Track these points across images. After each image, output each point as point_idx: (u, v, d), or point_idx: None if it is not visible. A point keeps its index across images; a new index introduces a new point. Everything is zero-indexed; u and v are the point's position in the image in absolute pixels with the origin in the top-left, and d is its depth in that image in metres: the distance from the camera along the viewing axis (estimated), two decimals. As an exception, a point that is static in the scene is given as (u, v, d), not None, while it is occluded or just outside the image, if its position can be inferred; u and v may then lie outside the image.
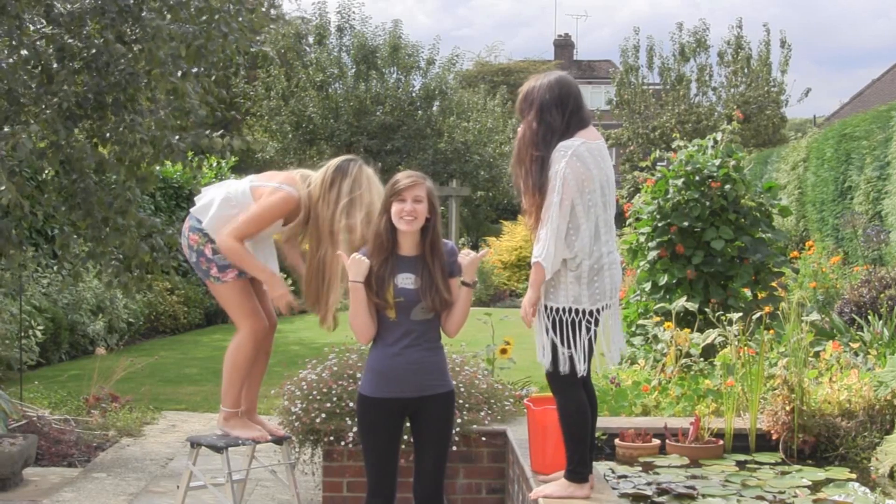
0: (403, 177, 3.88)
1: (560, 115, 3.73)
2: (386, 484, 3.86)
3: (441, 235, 3.92)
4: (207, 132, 6.75)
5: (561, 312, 3.73)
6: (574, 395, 3.80)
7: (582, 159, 3.68)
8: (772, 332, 6.78)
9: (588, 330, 3.75)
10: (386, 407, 3.84)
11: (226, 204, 4.47)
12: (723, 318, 6.34)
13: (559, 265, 3.71)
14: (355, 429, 5.08)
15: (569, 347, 3.72)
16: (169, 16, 6.46)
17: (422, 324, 3.83)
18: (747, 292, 7.59)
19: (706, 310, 6.92)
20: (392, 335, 3.83)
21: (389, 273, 3.81)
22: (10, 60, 6.23)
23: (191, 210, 4.63)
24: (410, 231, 3.83)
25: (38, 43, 6.35)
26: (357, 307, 3.81)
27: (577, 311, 3.72)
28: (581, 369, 3.74)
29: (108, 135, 6.71)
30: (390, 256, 3.84)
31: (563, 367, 3.73)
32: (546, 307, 3.77)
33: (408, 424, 3.95)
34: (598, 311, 3.76)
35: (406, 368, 3.81)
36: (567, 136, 3.72)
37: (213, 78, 6.94)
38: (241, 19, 6.89)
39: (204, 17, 6.70)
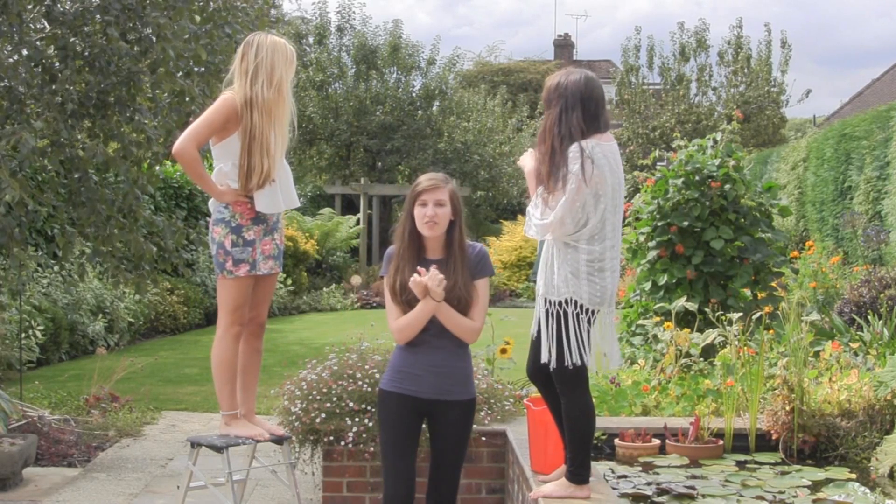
0: (425, 179, 3.85)
1: (582, 114, 3.72)
2: (401, 485, 3.83)
3: (465, 237, 3.90)
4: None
5: (563, 305, 3.71)
6: (580, 398, 3.78)
7: (596, 162, 3.68)
8: (772, 332, 6.78)
9: (588, 326, 3.73)
10: (401, 403, 3.84)
11: (217, 174, 4.58)
12: (723, 318, 6.33)
13: (558, 229, 3.69)
14: (355, 429, 5.09)
15: (569, 342, 3.71)
16: (172, 12, 6.46)
17: (440, 326, 3.82)
18: (747, 292, 7.58)
19: (706, 310, 6.92)
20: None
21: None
22: (11, 60, 6.23)
23: (209, 203, 4.70)
24: (433, 236, 3.83)
25: (38, 42, 6.35)
26: (421, 322, 3.79)
27: (575, 304, 3.71)
28: (586, 361, 3.72)
29: (112, 132, 6.71)
30: (416, 258, 3.84)
31: (575, 359, 3.70)
32: (546, 301, 3.76)
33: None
34: (594, 311, 3.75)
35: (424, 368, 3.82)
36: (585, 136, 3.71)
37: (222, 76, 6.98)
38: (240, 19, 6.89)
39: (209, 22, 6.71)
